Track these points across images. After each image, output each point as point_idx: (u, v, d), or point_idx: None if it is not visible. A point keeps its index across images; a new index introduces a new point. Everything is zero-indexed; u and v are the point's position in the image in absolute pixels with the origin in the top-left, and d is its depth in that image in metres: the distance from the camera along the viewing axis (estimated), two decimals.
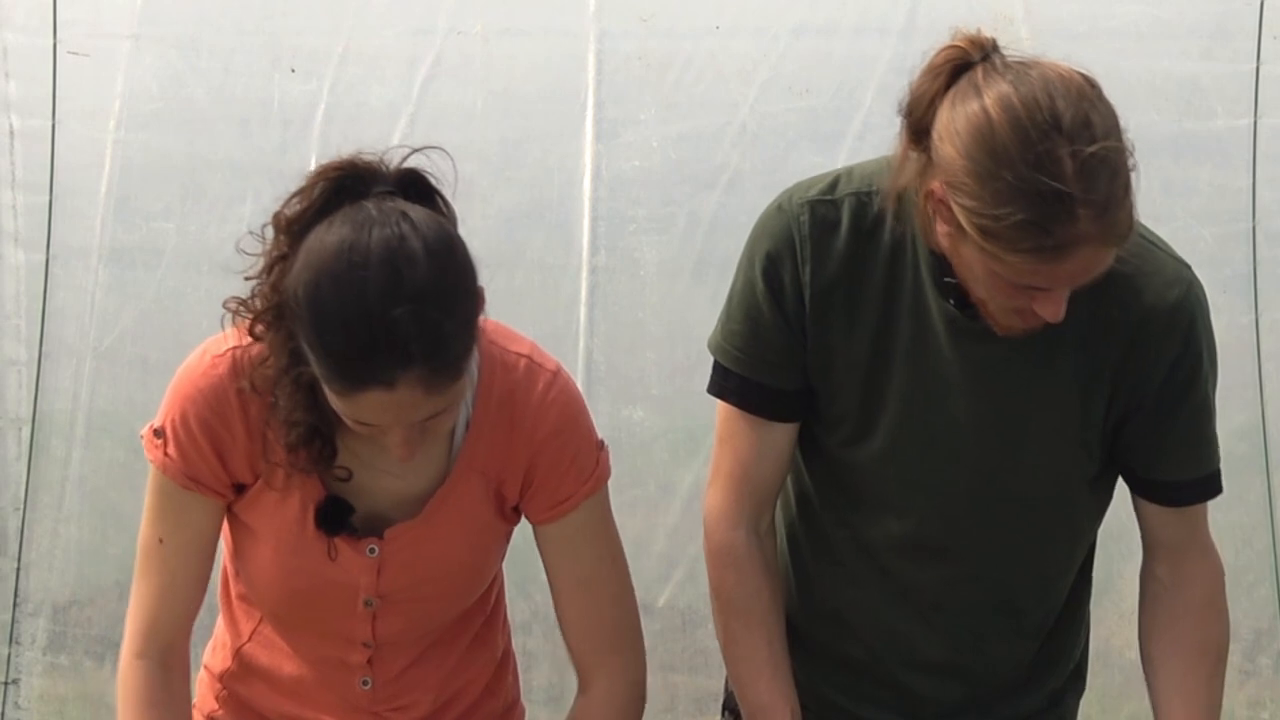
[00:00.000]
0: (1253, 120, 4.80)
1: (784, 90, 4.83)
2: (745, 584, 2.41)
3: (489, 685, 2.49)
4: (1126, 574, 4.85)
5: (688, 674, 4.64)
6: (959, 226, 2.09)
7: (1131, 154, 2.10)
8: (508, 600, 2.55)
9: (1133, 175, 2.10)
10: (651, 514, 4.77)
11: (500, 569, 2.47)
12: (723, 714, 2.61)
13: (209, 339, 2.27)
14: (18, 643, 4.83)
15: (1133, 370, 2.29)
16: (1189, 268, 2.34)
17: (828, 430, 2.37)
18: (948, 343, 2.27)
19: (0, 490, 5.00)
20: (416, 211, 2.11)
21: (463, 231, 2.22)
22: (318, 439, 2.19)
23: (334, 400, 2.09)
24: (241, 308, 2.17)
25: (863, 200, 2.28)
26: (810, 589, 2.48)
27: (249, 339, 2.20)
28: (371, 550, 2.28)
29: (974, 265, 2.13)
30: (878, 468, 2.35)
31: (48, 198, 4.90)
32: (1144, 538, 2.45)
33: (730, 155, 4.81)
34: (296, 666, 2.39)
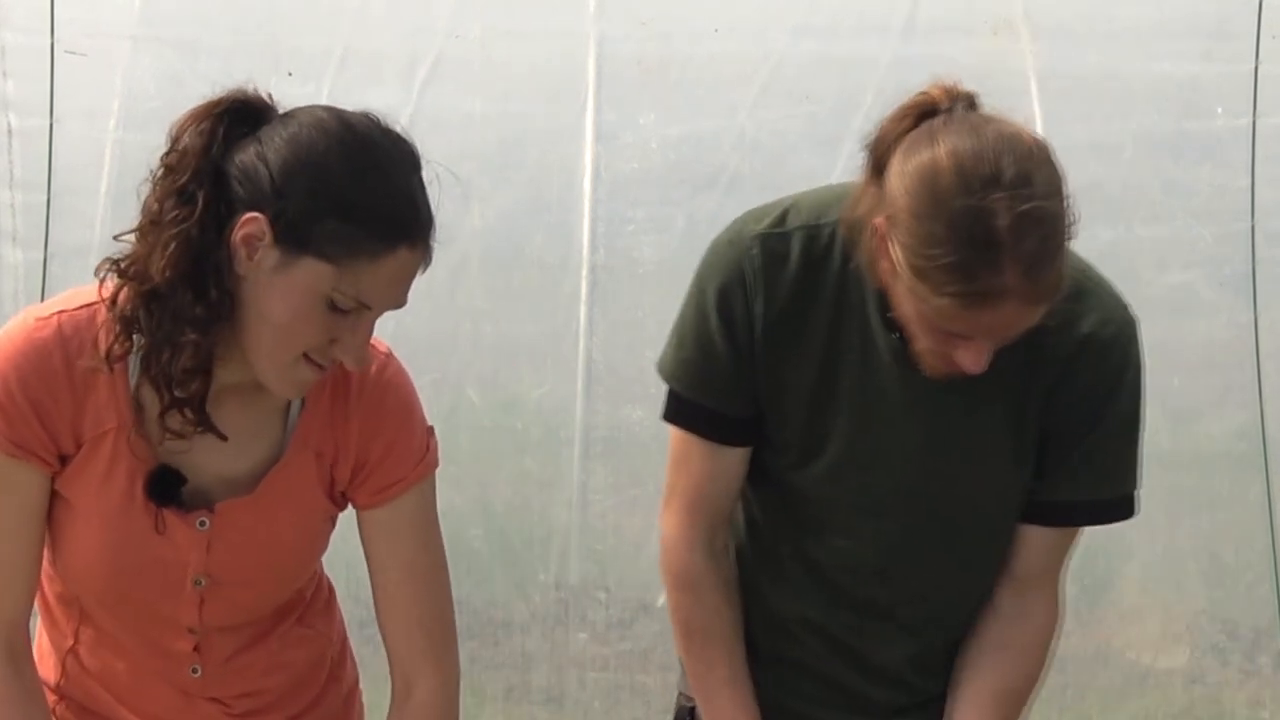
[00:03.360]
0: (1252, 120, 4.81)
1: (783, 93, 4.83)
2: (703, 604, 2.49)
3: (332, 672, 2.47)
4: (1125, 575, 4.87)
5: None
6: (894, 264, 2.16)
7: (1073, 220, 2.16)
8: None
9: (1069, 241, 2.16)
10: (651, 514, 4.75)
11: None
12: None
13: (29, 305, 2.22)
14: None
15: (1057, 399, 2.35)
16: (1125, 306, 2.40)
17: (776, 454, 2.43)
18: (891, 372, 2.33)
19: None
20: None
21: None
22: (199, 400, 2.14)
23: (355, 275, 2.05)
24: (130, 266, 2.10)
25: (811, 233, 2.35)
26: (758, 600, 2.54)
27: (79, 304, 2.14)
28: (202, 523, 2.22)
29: (904, 304, 2.20)
30: (822, 491, 2.42)
31: (46, 197, 4.90)
32: (1003, 567, 2.47)
33: (730, 157, 4.82)
34: (127, 663, 2.33)
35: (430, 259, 2.11)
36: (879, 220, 2.17)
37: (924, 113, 2.19)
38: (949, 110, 2.18)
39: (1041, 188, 2.11)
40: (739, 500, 2.51)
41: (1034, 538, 2.44)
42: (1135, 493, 2.44)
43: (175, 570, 2.24)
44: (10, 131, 4.96)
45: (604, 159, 4.88)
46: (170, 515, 2.21)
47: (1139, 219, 4.84)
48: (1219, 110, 4.84)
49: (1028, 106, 4.69)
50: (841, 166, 4.65)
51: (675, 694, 2.69)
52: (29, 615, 2.27)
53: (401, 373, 2.29)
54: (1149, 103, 4.77)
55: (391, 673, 2.37)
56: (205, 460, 2.21)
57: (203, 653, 2.32)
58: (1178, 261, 4.88)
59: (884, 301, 2.28)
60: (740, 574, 2.53)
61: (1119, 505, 2.43)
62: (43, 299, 4.92)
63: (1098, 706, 4.74)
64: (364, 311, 2.10)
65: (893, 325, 2.29)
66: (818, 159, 4.67)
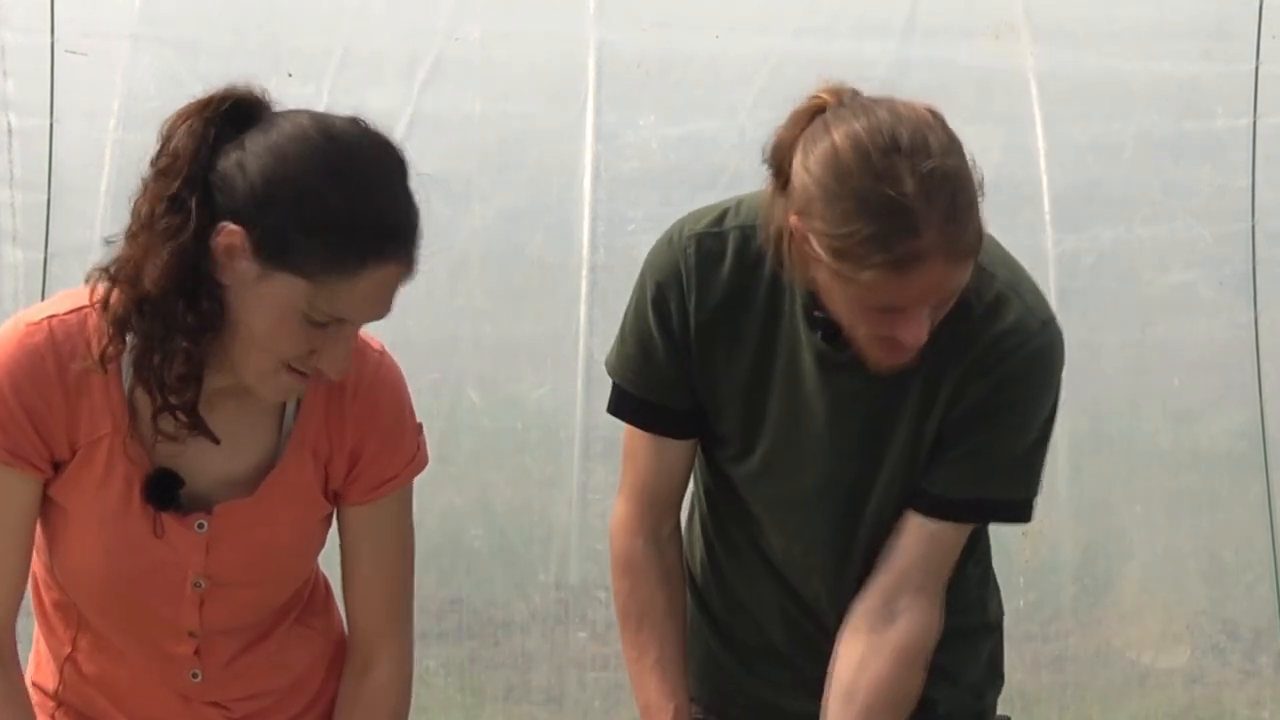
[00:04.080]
0: (1252, 120, 4.81)
1: (783, 93, 4.81)
2: (640, 590, 2.54)
3: (329, 670, 2.45)
4: (1125, 575, 4.87)
5: None
6: (815, 255, 2.19)
7: (980, 179, 2.19)
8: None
9: (981, 199, 2.18)
10: None
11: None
12: None
13: (22, 310, 2.21)
14: None
15: (953, 404, 2.36)
16: (1047, 323, 2.37)
17: (719, 445, 2.48)
18: (815, 373, 2.37)
19: None
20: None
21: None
22: (191, 403, 2.13)
23: (330, 291, 2.05)
24: (120, 270, 2.09)
25: (747, 234, 2.37)
26: (726, 586, 2.58)
27: (70, 308, 2.13)
28: (200, 525, 2.22)
29: (832, 292, 2.22)
30: (755, 486, 2.46)
31: (46, 196, 4.90)
32: (877, 566, 2.43)
33: (729, 157, 4.81)
34: (126, 669, 2.32)
35: (414, 270, 2.10)
36: (792, 219, 2.20)
37: (815, 114, 2.25)
38: (839, 104, 2.25)
39: (939, 147, 2.15)
40: (704, 490, 2.56)
41: (910, 527, 2.40)
42: (1031, 500, 2.41)
43: (175, 573, 2.23)
44: (10, 131, 4.96)
45: (604, 159, 4.88)
46: (168, 519, 2.20)
47: (1139, 219, 4.84)
48: (1219, 110, 4.84)
49: (1028, 107, 4.70)
50: None
51: None
52: (14, 621, 2.26)
53: (394, 370, 2.30)
54: (1149, 103, 4.77)
55: (350, 646, 2.40)
56: (201, 463, 2.21)
57: (203, 656, 2.31)
58: (1178, 261, 4.89)
59: (811, 301, 2.31)
60: (712, 562, 2.57)
61: (1006, 508, 2.41)
62: (43, 299, 4.92)
63: (1098, 706, 4.74)
64: (343, 324, 2.10)
65: (815, 325, 2.33)
66: None
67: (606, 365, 2.54)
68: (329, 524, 2.35)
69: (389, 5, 4.93)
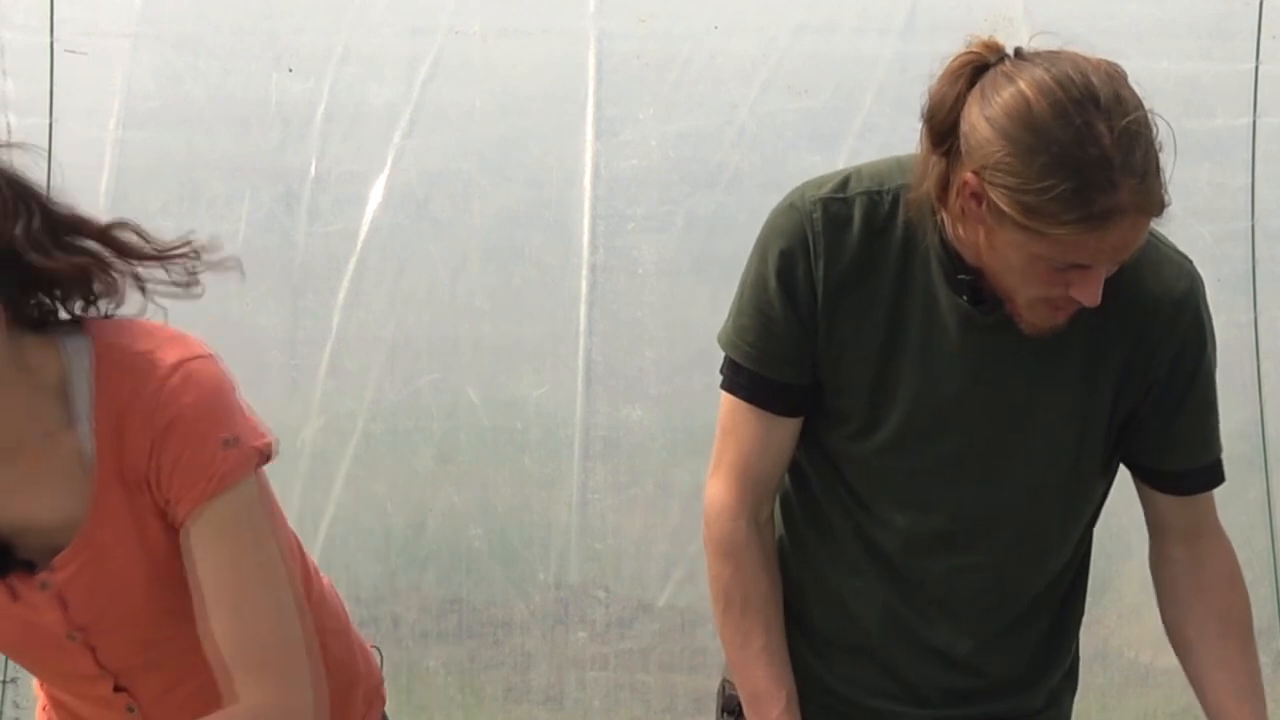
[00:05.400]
0: (1252, 119, 4.81)
1: (783, 90, 4.83)
2: (743, 574, 2.45)
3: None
4: (1125, 574, 4.87)
5: (687, 674, 4.64)
6: (998, 213, 2.15)
7: (1158, 132, 2.19)
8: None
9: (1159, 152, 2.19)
10: (650, 514, 4.77)
11: None
12: (719, 716, 2.62)
13: None
14: None
15: (1139, 363, 2.35)
16: (1189, 261, 2.41)
17: (834, 424, 2.41)
18: (958, 337, 2.31)
19: None
20: None
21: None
22: None
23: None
24: None
25: (874, 199, 2.32)
26: (815, 576, 2.51)
27: None
28: (44, 584, 2.13)
29: (1012, 253, 2.17)
30: (886, 460, 2.39)
31: None
32: (1153, 524, 2.49)
33: (730, 155, 4.82)
34: (81, 705, 2.29)
35: None
36: (967, 176, 2.15)
37: (976, 68, 2.19)
38: (1001, 59, 2.20)
39: (1131, 102, 2.15)
40: (796, 475, 2.49)
41: (1163, 501, 2.46)
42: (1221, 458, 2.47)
43: (46, 631, 2.17)
44: (9, 131, 4.94)
45: (604, 156, 4.88)
46: (17, 582, 2.13)
47: None
48: (1219, 110, 4.84)
49: None
50: (842, 163, 4.64)
51: (719, 681, 2.65)
52: None
53: (187, 382, 2.11)
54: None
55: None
56: (21, 521, 2.12)
57: (132, 693, 2.25)
58: None
59: (952, 266, 2.27)
60: (800, 551, 2.51)
61: (1216, 469, 2.46)
62: None
63: (1098, 706, 4.74)
64: None
65: (961, 289, 2.28)
66: (818, 156, 4.67)
67: (720, 339, 2.43)
68: None
69: (389, 2, 4.93)
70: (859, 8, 4.86)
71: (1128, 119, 2.13)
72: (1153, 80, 5.28)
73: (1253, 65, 4.81)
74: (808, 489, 2.49)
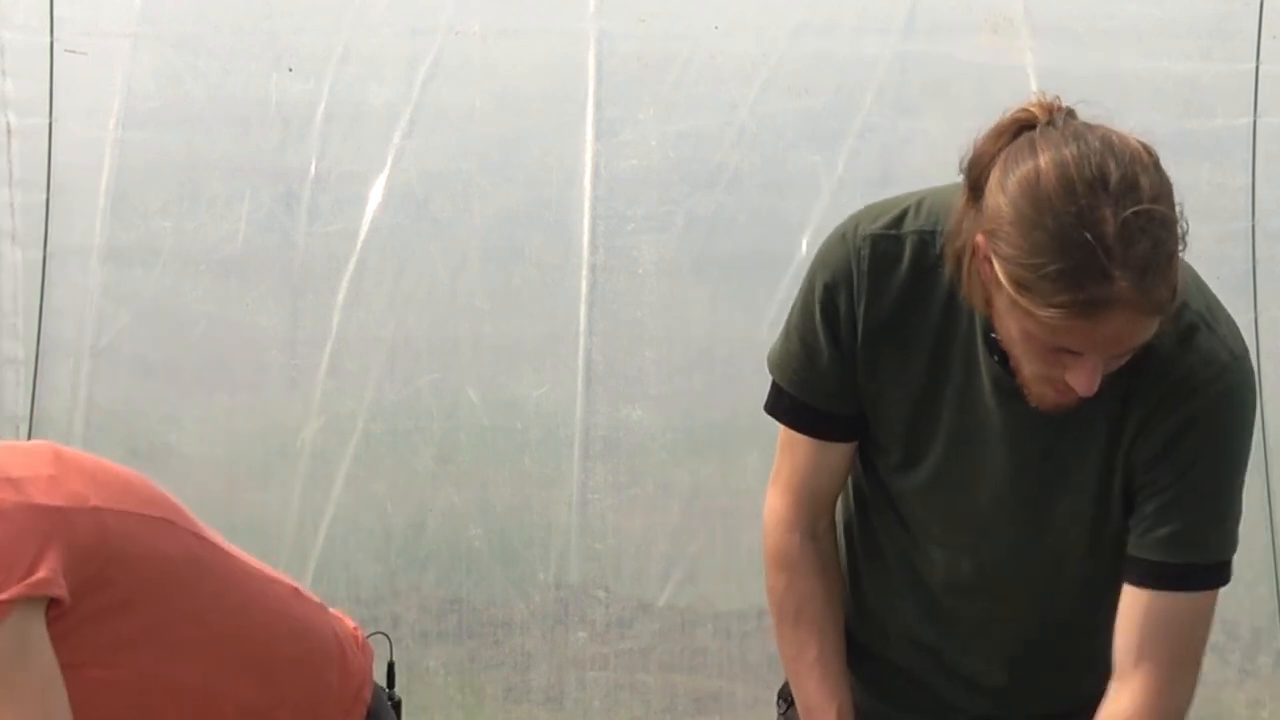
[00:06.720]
0: (1252, 119, 4.81)
1: (783, 90, 4.83)
2: (798, 586, 2.44)
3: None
4: None
5: (687, 674, 4.64)
6: (997, 281, 2.08)
7: (1184, 229, 2.08)
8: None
9: (1182, 251, 2.08)
10: (650, 514, 4.77)
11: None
12: (778, 702, 2.63)
13: None
14: None
15: (1142, 439, 2.26)
16: (1241, 358, 2.26)
17: (880, 452, 2.39)
18: (991, 395, 2.27)
19: None
20: None
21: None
22: None
23: None
24: None
25: (926, 239, 2.25)
26: (858, 587, 2.50)
27: None
28: None
29: (1009, 324, 2.11)
30: (923, 498, 2.37)
31: (45, 196, 4.90)
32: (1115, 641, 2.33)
33: (729, 155, 4.81)
34: None
35: None
36: (979, 237, 2.09)
37: (1021, 128, 2.12)
38: (1048, 123, 2.11)
39: (1148, 192, 2.03)
40: (856, 495, 2.47)
41: (1125, 601, 2.29)
42: (1228, 562, 2.31)
43: None
44: (9, 130, 4.96)
45: (604, 156, 4.88)
46: None
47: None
48: (1219, 110, 4.84)
49: None
50: (842, 164, 4.65)
51: (774, 697, 2.62)
52: None
53: None
54: (1149, 102, 4.76)
55: None
56: None
57: None
58: None
59: (988, 322, 2.20)
60: (846, 556, 2.49)
61: (1203, 573, 2.29)
62: (42, 298, 4.92)
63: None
64: None
65: (995, 348, 2.21)
66: (818, 156, 4.67)
67: (768, 362, 2.40)
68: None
69: (389, 2, 4.93)
70: (859, 8, 4.85)
71: (1138, 208, 2.01)
72: (1153, 80, 5.28)
73: (1253, 65, 4.81)
74: (862, 505, 2.47)
